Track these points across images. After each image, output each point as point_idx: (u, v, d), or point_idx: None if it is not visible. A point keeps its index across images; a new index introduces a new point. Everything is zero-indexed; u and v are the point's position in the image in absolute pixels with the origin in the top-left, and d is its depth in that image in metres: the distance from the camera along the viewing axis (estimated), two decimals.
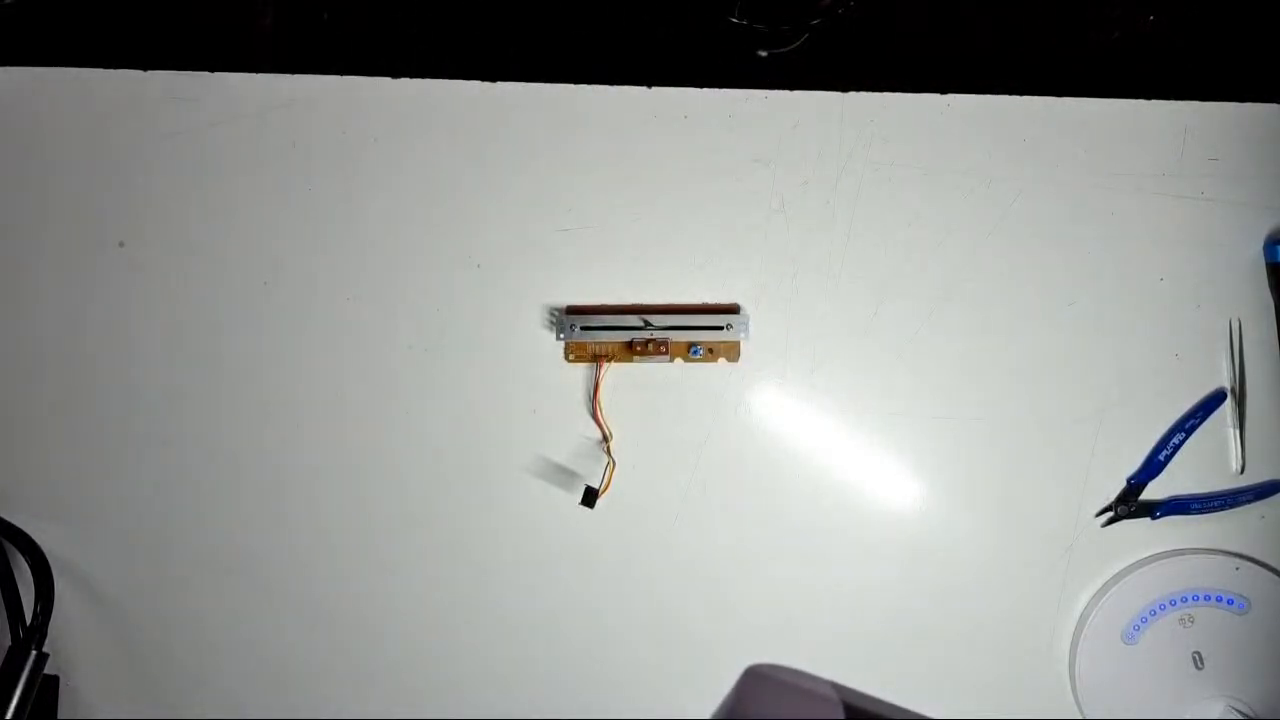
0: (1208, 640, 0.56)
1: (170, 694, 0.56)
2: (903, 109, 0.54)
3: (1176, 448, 0.55)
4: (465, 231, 0.54)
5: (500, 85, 0.54)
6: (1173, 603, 0.56)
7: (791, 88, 0.54)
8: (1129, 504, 0.55)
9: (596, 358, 0.54)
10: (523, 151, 0.54)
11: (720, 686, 0.56)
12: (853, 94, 0.54)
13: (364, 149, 0.54)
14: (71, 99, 0.54)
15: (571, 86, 0.54)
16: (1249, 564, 0.56)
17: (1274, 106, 0.54)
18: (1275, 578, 0.56)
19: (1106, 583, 0.56)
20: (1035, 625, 0.56)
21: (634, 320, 0.54)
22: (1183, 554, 0.56)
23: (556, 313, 0.54)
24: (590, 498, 0.53)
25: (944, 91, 0.54)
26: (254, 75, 0.54)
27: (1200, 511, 0.55)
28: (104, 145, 0.54)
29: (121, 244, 0.54)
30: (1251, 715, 0.56)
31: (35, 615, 0.52)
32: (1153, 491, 0.55)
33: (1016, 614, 0.56)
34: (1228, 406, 0.55)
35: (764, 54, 0.53)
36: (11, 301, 0.54)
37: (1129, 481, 0.55)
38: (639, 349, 0.54)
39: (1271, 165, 0.55)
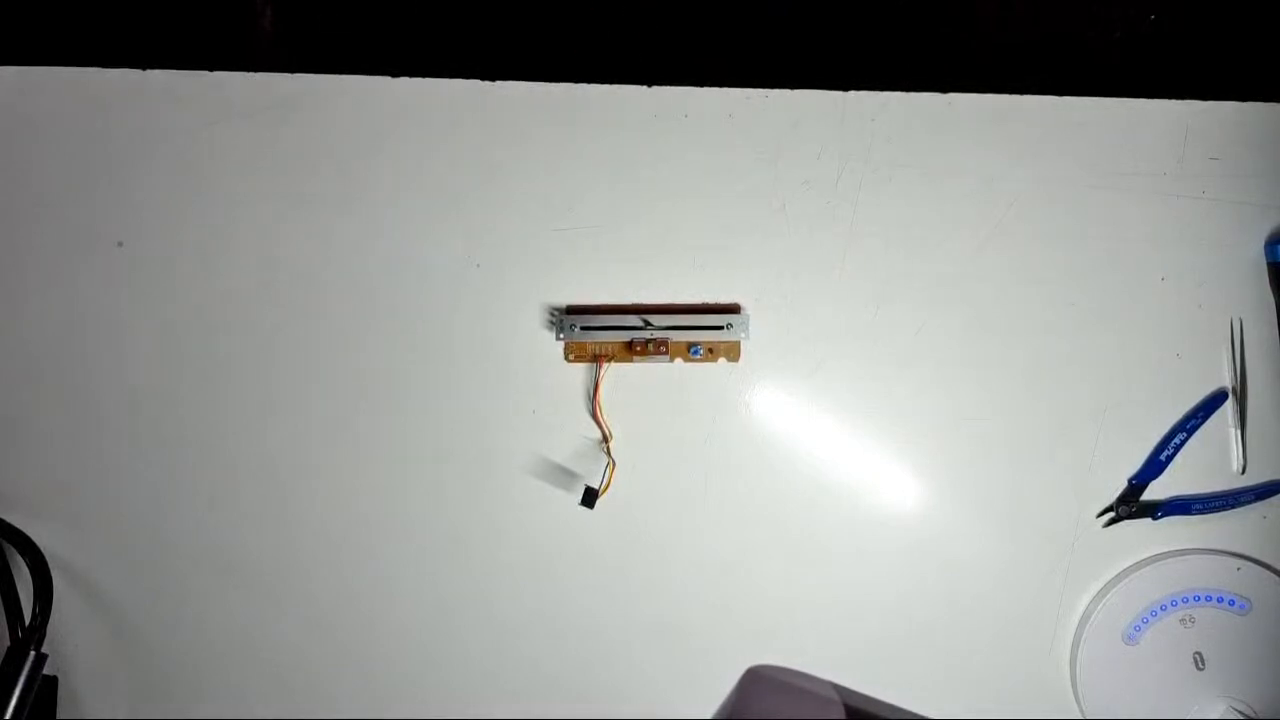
0: (1209, 641, 0.56)
1: (169, 694, 0.56)
2: (903, 108, 0.54)
3: (1178, 448, 0.55)
4: (465, 231, 0.54)
5: (500, 85, 0.54)
6: (1174, 603, 0.55)
7: (792, 87, 0.54)
8: (1130, 504, 0.55)
9: (596, 358, 0.54)
10: (523, 151, 0.54)
11: (721, 687, 0.56)
12: (853, 93, 0.54)
13: (364, 149, 0.54)
14: (70, 98, 0.54)
15: (571, 86, 0.54)
16: (1250, 564, 0.55)
17: (1274, 106, 0.54)
18: (1276, 578, 0.55)
19: (1108, 583, 0.56)
20: (1036, 626, 0.56)
21: (634, 320, 0.54)
22: (1184, 554, 0.56)
23: (556, 313, 0.54)
24: (590, 498, 0.53)
25: (944, 91, 0.54)
26: (254, 75, 0.54)
27: (1202, 512, 0.55)
28: (103, 145, 0.54)
29: (120, 244, 0.54)
30: (1252, 716, 0.56)
31: (34, 616, 0.52)
32: (1154, 492, 0.55)
33: (1017, 614, 0.56)
34: (1229, 406, 0.55)
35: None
36: (10, 301, 0.54)
37: (1130, 482, 0.55)
38: (639, 349, 0.53)
39: (1272, 165, 0.54)
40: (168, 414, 0.55)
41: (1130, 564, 0.56)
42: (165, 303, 0.54)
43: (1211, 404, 0.55)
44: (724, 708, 0.56)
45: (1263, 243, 0.55)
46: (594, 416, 0.55)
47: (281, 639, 0.56)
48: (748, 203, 0.54)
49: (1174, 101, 0.54)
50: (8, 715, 0.50)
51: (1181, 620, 0.56)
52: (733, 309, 0.55)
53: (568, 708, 0.56)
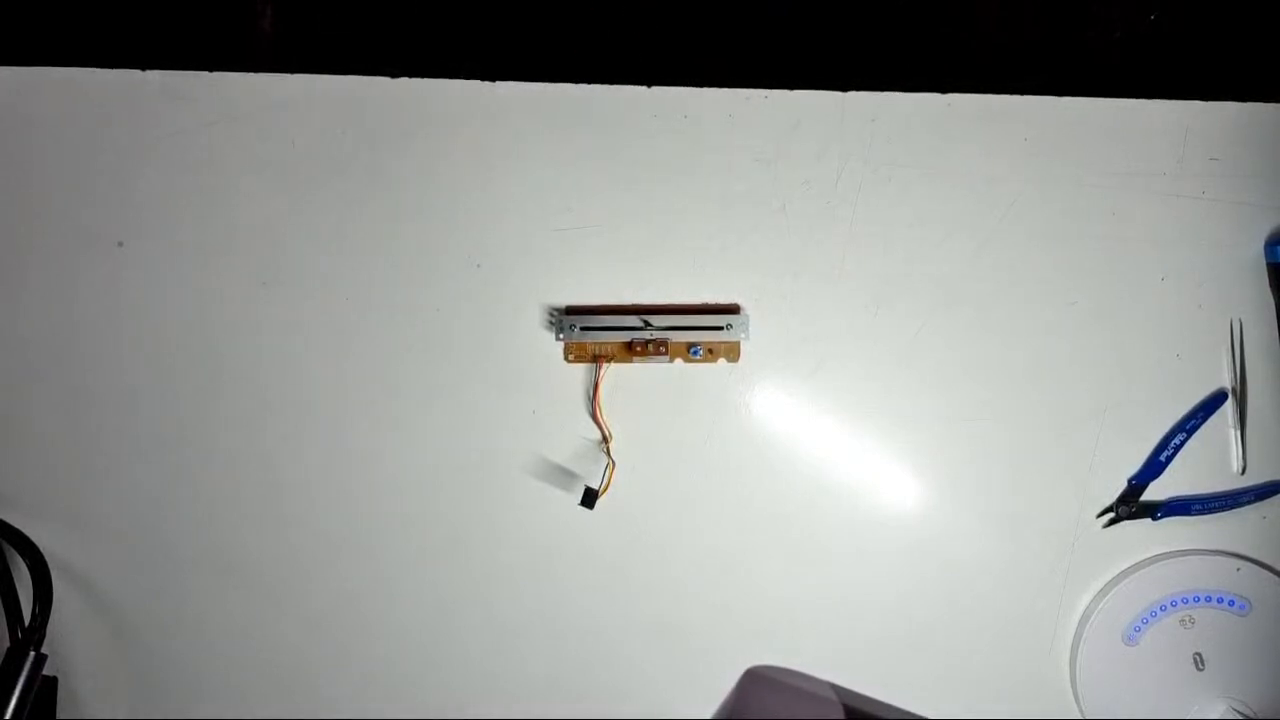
0: (1208, 641, 0.56)
1: (169, 695, 0.56)
2: (903, 108, 0.54)
3: (1178, 448, 0.55)
4: (465, 231, 0.54)
5: (500, 85, 0.54)
6: (1174, 604, 0.55)
7: (792, 87, 0.54)
8: (1130, 505, 0.55)
9: (596, 358, 0.54)
10: (523, 151, 0.54)
11: (721, 687, 0.56)
12: (853, 93, 0.54)
13: (364, 149, 0.54)
14: (70, 98, 0.54)
15: (571, 86, 0.54)
16: (1250, 565, 0.55)
17: (1274, 106, 0.54)
18: (1276, 579, 0.55)
19: (1107, 583, 0.56)
20: (1036, 626, 0.56)
21: (634, 320, 0.54)
22: (1184, 555, 0.56)
23: (556, 313, 0.54)
24: (590, 498, 0.53)
25: (944, 91, 0.54)
26: (253, 75, 0.54)
27: (1201, 512, 0.55)
28: (102, 145, 0.54)
29: (120, 244, 0.54)
30: (1252, 716, 0.55)
31: (34, 616, 0.52)
32: (1154, 492, 0.55)
33: (1017, 615, 0.56)
34: (1229, 407, 0.55)
35: None
36: (10, 301, 0.54)
37: (1130, 482, 0.55)
38: (639, 349, 0.53)
39: (1272, 165, 0.54)
40: (167, 414, 0.55)
41: (1130, 564, 0.56)
42: (166, 302, 0.54)
43: (1211, 404, 0.55)
44: (723, 708, 0.56)
45: (1263, 243, 0.55)
46: (594, 417, 0.55)
47: (281, 639, 0.56)
48: (748, 203, 0.54)
49: (1174, 101, 0.54)
50: (8, 715, 0.50)
51: (1181, 621, 0.56)
52: (733, 309, 0.55)
53: (568, 708, 0.56)
